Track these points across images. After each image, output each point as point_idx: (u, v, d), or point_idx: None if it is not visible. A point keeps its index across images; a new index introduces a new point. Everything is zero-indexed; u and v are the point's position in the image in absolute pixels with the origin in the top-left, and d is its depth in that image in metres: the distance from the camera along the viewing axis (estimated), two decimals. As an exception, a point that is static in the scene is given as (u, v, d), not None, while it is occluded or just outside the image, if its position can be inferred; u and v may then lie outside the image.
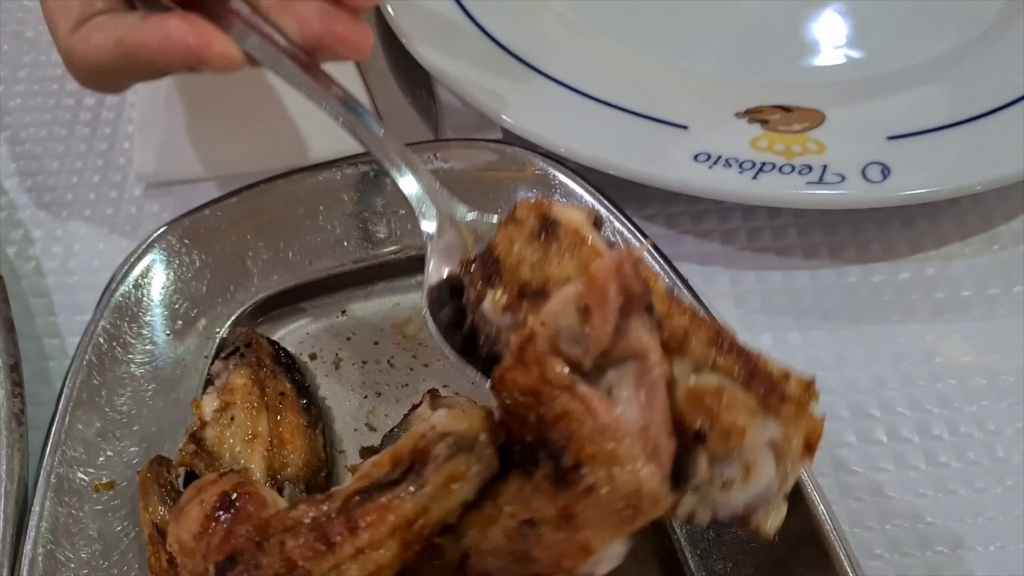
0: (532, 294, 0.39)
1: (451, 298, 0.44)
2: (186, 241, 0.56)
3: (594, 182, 0.56)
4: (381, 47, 0.70)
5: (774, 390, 0.35)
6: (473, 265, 0.42)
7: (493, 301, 0.40)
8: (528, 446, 0.35)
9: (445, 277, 0.45)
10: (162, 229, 0.56)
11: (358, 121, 0.48)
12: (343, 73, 0.68)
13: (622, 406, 0.33)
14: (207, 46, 0.46)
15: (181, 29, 0.46)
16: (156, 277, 0.55)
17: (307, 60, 0.48)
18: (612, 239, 0.51)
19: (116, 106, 0.69)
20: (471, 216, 0.46)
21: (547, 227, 0.40)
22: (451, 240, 0.46)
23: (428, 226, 0.46)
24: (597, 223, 0.42)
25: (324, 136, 0.65)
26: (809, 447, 0.35)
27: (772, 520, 0.36)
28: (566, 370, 0.34)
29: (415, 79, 0.68)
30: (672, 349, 0.36)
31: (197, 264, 0.56)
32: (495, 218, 0.45)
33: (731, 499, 0.35)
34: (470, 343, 0.43)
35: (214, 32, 0.46)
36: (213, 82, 0.68)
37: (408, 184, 0.47)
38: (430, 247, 0.46)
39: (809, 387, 0.35)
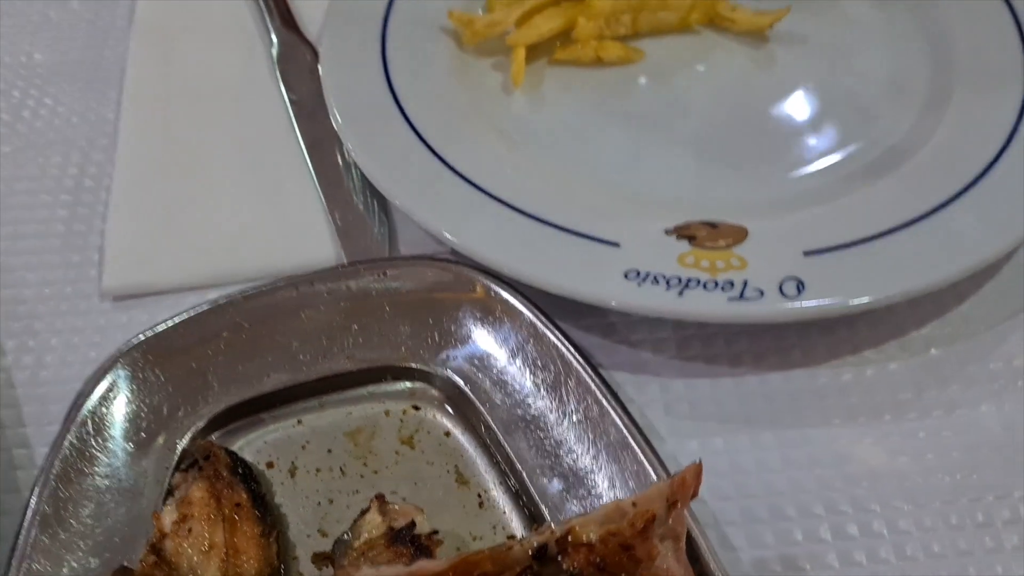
0: None
1: None
2: (149, 357, 0.60)
3: (532, 296, 0.60)
4: (338, 160, 0.75)
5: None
6: None
7: None
8: None
9: None
10: (126, 346, 0.60)
11: None
12: (299, 183, 0.73)
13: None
14: None
15: None
16: (121, 392, 0.59)
17: None
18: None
19: (87, 218, 0.73)
20: None
21: None
22: None
23: None
24: None
25: (285, 250, 0.69)
26: None
27: None
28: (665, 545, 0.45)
29: (370, 193, 0.72)
30: None
31: (160, 379, 0.60)
32: None
33: None
34: None
35: None
36: (180, 196, 0.73)
37: None
38: None
39: None
